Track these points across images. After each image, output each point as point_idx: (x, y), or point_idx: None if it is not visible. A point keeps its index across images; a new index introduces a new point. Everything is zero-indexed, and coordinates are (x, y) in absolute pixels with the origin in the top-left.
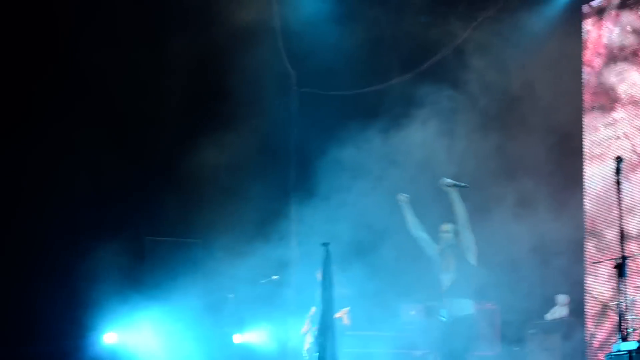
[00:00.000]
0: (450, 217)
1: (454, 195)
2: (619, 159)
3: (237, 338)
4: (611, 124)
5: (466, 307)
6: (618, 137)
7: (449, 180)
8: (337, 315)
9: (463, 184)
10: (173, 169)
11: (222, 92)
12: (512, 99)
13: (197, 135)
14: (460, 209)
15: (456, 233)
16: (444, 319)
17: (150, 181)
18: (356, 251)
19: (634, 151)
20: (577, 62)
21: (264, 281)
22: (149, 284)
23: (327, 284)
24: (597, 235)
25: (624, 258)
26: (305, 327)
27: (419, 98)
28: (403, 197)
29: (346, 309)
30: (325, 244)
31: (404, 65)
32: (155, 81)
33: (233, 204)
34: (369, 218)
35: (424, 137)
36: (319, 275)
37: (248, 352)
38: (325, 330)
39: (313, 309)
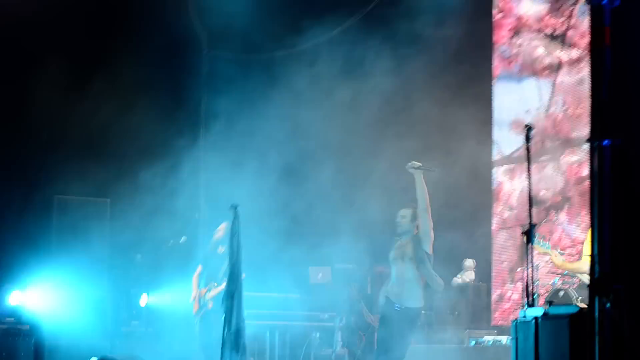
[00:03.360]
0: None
1: (418, 178)
2: (528, 127)
3: (144, 299)
4: None
5: (417, 299)
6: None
7: (416, 163)
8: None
9: (431, 167)
10: (82, 127)
11: (130, 54)
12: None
13: (105, 94)
14: (422, 191)
15: (413, 218)
16: (397, 309)
17: (59, 139)
18: (266, 213)
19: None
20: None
21: (171, 242)
22: (56, 243)
23: (234, 246)
24: (505, 200)
25: (531, 225)
26: (193, 293)
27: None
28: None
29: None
30: (233, 206)
31: (321, 25)
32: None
33: (142, 163)
34: (284, 180)
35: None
36: (217, 235)
37: (154, 314)
38: (232, 292)
39: (199, 268)
